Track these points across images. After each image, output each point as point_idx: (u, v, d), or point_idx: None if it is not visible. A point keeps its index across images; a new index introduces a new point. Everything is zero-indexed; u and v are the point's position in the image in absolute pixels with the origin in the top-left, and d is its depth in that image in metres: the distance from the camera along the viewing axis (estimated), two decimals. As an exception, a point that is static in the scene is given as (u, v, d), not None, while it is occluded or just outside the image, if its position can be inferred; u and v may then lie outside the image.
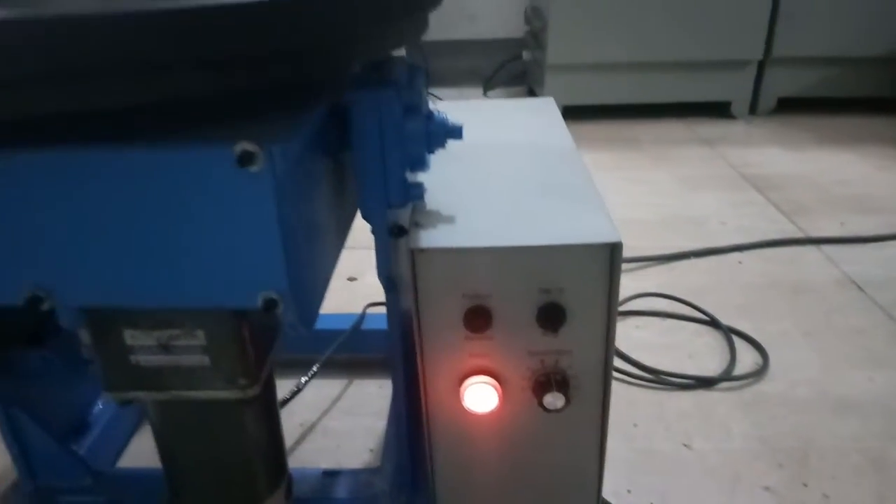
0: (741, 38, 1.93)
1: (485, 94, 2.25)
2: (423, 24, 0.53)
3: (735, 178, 1.63)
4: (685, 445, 0.79)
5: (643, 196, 1.52)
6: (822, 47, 1.95)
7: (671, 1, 1.88)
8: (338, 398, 0.88)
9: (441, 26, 2.08)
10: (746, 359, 0.96)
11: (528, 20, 2.26)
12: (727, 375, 0.92)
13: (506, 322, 0.49)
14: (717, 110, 2.07)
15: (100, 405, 0.77)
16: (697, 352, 0.97)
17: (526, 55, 2.21)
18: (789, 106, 2.07)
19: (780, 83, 2.03)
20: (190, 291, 0.38)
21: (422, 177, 0.53)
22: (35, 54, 0.28)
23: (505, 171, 0.60)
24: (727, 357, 0.96)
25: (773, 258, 1.24)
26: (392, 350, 0.55)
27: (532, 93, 2.31)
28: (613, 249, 0.46)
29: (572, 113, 2.04)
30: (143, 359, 0.41)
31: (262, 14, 0.32)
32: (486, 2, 2.35)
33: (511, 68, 2.30)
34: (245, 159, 0.34)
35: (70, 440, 0.70)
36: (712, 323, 1.04)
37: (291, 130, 0.36)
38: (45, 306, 0.38)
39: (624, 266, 1.11)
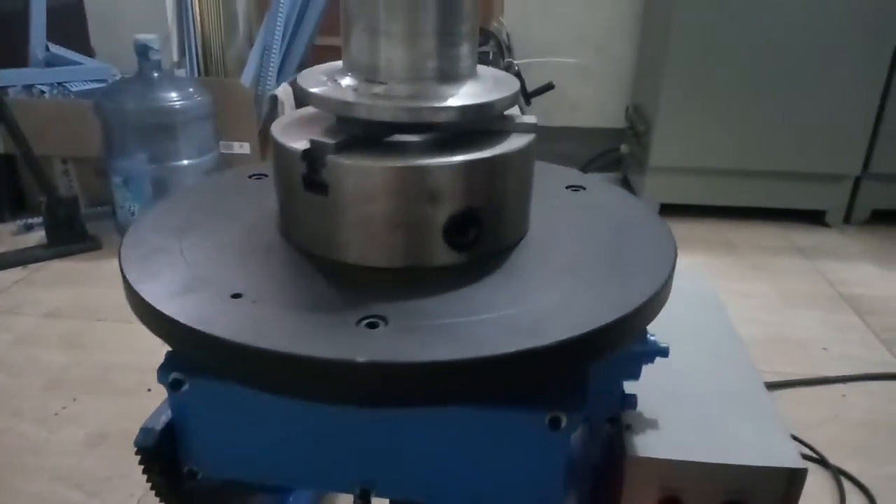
0: (841, 153, 2.00)
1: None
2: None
3: (833, 298, 1.69)
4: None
5: (745, 310, 1.60)
6: (919, 166, 2.01)
7: (774, 113, 1.97)
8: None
9: (543, 113, 2.22)
10: (854, 502, 1.03)
11: (628, 117, 2.38)
12: (838, 520, 1.00)
13: (694, 513, 0.60)
14: (811, 217, 2.13)
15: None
16: (806, 490, 1.05)
17: (624, 148, 2.33)
18: (883, 217, 2.12)
19: (876, 196, 2.08)
20: (477, 499, 0.50)
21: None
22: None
23: (684, 368, 0.70)
24: (835, 498, 1.03)
25: (878, 393, 1.31)
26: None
27: (627, 182, 2.42)
28: (796, 473, 0.56)
29: (668, 210, 2.14)
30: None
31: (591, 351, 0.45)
32: (588, 95, 2.49)
33: (608, 156, 2.42)
34: (554, 423, 0.46)
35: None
36: (821, 461, 1.11)
37: (579, 396, 0.48)
38: (371, 496, 0.51)
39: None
